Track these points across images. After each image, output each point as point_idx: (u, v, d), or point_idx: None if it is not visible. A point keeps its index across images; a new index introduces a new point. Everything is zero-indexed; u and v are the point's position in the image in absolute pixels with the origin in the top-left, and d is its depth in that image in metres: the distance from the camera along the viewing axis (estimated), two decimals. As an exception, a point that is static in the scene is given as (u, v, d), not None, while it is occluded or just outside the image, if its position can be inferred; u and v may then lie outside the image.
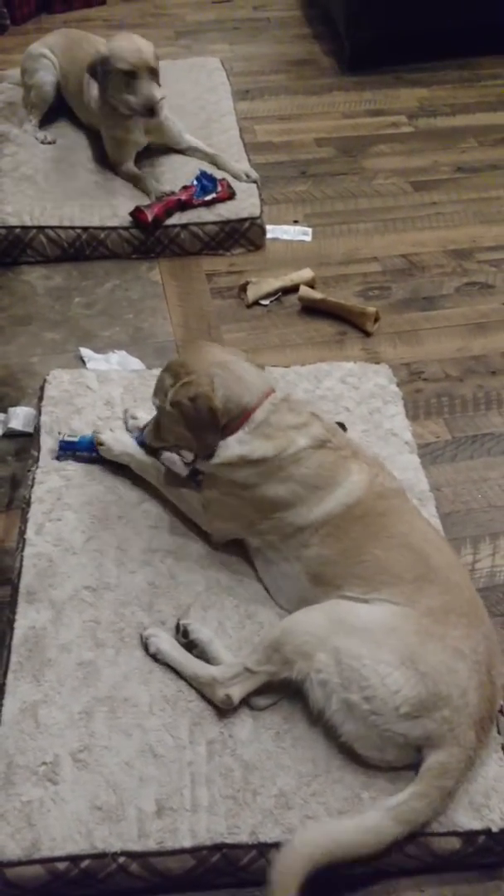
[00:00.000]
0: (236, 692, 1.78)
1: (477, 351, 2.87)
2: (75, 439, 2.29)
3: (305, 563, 1.89)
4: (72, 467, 2.28)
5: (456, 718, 1.65)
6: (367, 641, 1.69)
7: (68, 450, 2.29)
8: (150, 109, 3.12)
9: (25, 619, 1.95)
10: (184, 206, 3.20)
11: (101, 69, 3.12)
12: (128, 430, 2.34)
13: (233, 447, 1.93)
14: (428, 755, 1.66)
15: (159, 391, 2.01)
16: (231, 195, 3.27)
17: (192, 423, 1.93)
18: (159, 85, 3.14)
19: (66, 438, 2.30)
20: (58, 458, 2.30)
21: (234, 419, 1.93)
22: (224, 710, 1.79)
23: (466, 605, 1.76)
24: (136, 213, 3.13)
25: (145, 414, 2.31)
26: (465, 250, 3.31)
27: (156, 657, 1.88)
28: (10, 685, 1.83)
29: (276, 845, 1.62)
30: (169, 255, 3.22)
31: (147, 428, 2.14)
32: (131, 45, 3.10)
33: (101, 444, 2.23)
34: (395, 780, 1.71)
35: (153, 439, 2.12)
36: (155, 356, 2.80)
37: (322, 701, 1.71)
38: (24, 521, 2.17)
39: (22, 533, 2.14)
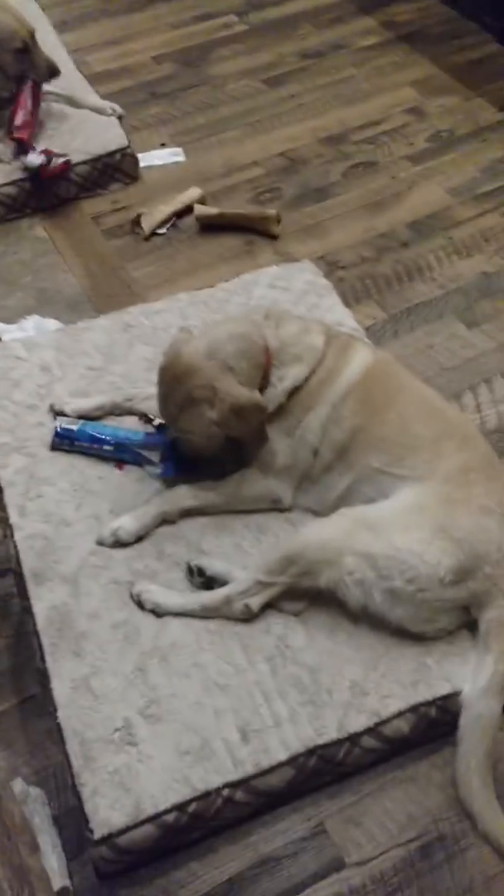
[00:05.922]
0: (254, 602, 1.78)
1: (383, 228, 2.89)
2: (74, 428, 2.09)
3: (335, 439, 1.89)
4: (32, 443, 2.17)
5: (497, 572, 1.71)
6: (396, 530, 1.71)
7: (66, 438, 2.10)
8: (55, 71, 2.99)
9: (42, 601, 1.87)
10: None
11: None
12: (64, 423, 2.10)
13: (277, 386, 1.89)
14: (480, 615, 1.73)
15: (182, 418, 1.85)
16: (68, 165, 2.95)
17: (248, 431, 1.86)
18: None
19: (64, 426, 2.09)
20: (52, 446, 2.11)
21: (265, 369, 1.88)
22: (273, 627, 1.79)
23: (483, 460, 1.81)
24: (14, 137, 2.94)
25: (76, 399, 2.17)
26: (338, 135, 3.30)
27: (155, 612, 1.83)
28: (52, 668, 1.76)
29: (365, 732, 1.67)
30: (46, 207, 3.05)
31: (170, 463, 1.99)
32: (10, 20, 2.87)
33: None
34: (452, 640, 1.77)
35: (190, 464, 1.95)
36: (70, 312, 2.68)
37: (363, 598, 1.72)
38: (2, 507, 2.06)
39: (5, 519, 2.04)
